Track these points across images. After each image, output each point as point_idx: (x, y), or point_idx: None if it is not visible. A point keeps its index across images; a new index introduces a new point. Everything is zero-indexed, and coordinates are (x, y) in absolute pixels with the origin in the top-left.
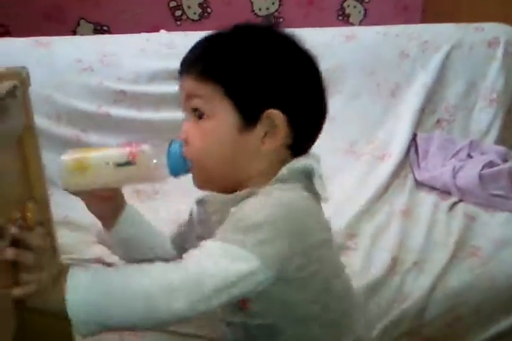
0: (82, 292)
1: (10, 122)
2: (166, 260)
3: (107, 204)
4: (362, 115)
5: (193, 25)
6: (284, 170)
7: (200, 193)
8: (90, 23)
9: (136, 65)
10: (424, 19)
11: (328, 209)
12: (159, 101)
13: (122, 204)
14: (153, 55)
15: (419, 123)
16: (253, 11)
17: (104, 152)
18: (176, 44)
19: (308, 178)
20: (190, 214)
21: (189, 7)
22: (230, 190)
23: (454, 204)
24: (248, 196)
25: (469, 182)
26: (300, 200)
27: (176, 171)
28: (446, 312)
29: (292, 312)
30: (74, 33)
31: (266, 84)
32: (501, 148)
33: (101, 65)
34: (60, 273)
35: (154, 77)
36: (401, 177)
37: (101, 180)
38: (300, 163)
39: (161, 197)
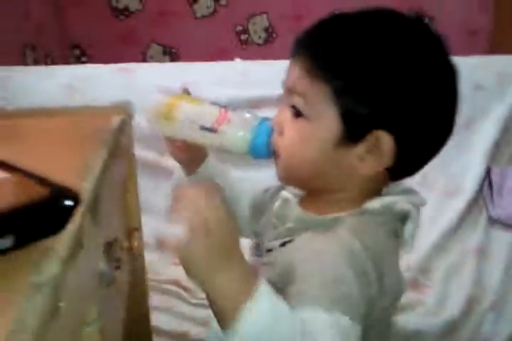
0: (263, 315)
1: (122, 157)
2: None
3: (188, 152)
4: None
5: (259, 49)
6: (377, 204)
7: None
8: (160, 45)
9: (213, 92)
10: (493, 47)
11: None
12: None
13: (205, 155)
14: (229, 83)
15: (493, 157)
16: None
17: (196, 109)
18: (251, 73)
19: (400, 219)
20: (266, 191)
21: (255, 31)
22: (310, 192)
23: None
24: (333, 222)
25: None
26: (383, 244)
27: (257, 153)
28: None
29: None
30: (144, 54)
31: (387, 103)
32: None
33: (180, 92)
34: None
35: (230, 104)
36: (474, 213)
37: (183, 135)
38: (400, 205)
39: None
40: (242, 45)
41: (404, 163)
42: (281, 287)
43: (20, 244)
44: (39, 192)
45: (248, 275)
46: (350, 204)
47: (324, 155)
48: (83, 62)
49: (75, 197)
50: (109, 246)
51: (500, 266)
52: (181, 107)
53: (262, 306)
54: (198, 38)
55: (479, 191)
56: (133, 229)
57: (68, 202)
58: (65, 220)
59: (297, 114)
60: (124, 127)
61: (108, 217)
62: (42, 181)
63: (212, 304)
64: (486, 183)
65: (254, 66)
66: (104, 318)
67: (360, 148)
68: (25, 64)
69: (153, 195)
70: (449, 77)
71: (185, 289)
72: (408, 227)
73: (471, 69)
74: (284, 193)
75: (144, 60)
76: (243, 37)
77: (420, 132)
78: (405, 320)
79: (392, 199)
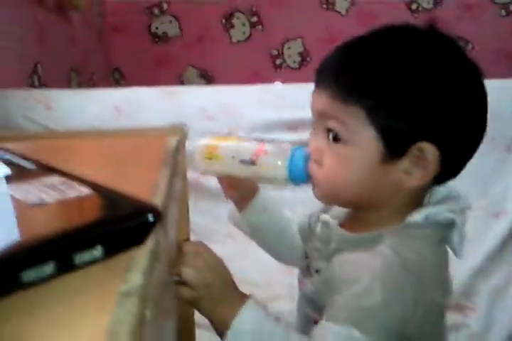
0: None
1: (179, 176)
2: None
3: (238, 189)
4: (475, 169)
5: (291, 73)
6: (419, 217)
7: None
8: (196, 68)
9: (253, 115)
10: None
11: None
12: None
13: (256, 190)
14: (269, 106)
15: None
16: None
17: (235, 145)
18: (290, 95)
19: (446, 229)
20: (310, 216)
21: (289, 56)
22: (354, 210)
23: None
24: (375, 239)
25: None
26: (430, 257)
27: (295, 178)
28: None
29: None
30: (181, 77)
31: (423, 116)
32: None
33: (223, 114)
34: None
35: (270, 127)
36: None
37: (226, 171)
38: (443, 214)
39: None
40: (276, 69)
41: (448, 167)
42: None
43: (107, 255)
44: (122, 206)
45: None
46: (393, 219)
47: (369, 176)
48: (122, 85)
49: (157, 213)
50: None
51: None
52: (221, 146)
53: (244, 325)
54: (234, 62)
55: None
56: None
57: (151, 218)
58: (147, 233)
59: (335, 138)
60: (180, 147)
61: (172, 233)
62: (124, 197)
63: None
64: None
65: (291, 89)
66: (164, 329)
67: (404, 162)
68: (70, 87)
69: (192, 213)
70: (476, 83)
71: None
72: (454, 236)
73: None
74: (324, 216)
75: (181, 83)
76: (278, 61)
77: (458, 136)
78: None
79: (433, 210)
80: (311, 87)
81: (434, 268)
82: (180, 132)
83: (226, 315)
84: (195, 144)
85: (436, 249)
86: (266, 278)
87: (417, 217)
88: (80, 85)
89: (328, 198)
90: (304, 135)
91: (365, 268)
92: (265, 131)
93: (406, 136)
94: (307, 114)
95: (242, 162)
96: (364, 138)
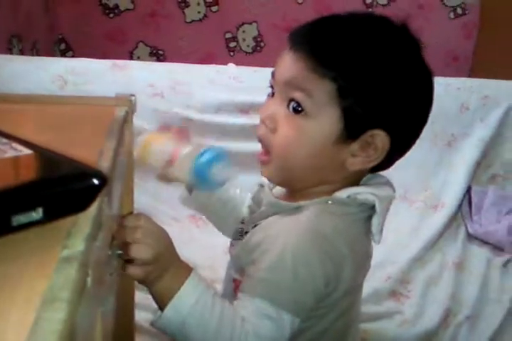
0: (183, 311)
1: (125, 145)
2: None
3: None
4: (417, 162)
5: (246, 57)
6: (344, 194)
7: None
8: (147, 46)
9: (204, 95)
10: (473, 71)
11: (379, 254)
12: (223, 131)
13: None
14: (221, 87)
15: (474, 176)
16: None
17: (163, 144)
18: (244, 78)
19: (370, 211)
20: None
21: (244, 39)
22: (290, 188)
23: (508, 261)
24: (297, 209)
25: None
26: (344, 234)
27: (202, 184)
28: None
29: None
30: (131, 54)
31: (387, 103)
32: None
33: (172, 92)
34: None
35: (221, 108)
36: (453, 228)
37: (156, 168)
38: (363, 195)
39: None
40: (229, 52)
41: (387, 158)
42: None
43: (48, 218)
44: (66, 168)
45: (182, 276)
46: (322, 195)
47: (322, 152)
48: (68, 57)
49: (103, 177)
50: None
51: (476, 281)
52: (152, 144)
53: (185, 300)
54: (187, 42)
55: (459, 208)
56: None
57: (96, 182)
58: (91, 198)
59: (296, 109)
60: (128, 118)
61: (115, 204)
62: (67, 159)
63: (153, 297)
64: (466, 201)
65: (245, 71)
66: (105, 305)
67: (354, 146)
68: (11, 54)
69: (138, 193)
70: (429, 81)
71: None
72: (374, 220)
73: (457, 90)
74: (262, 179)
75: (131, 60)
76: (232, 44)
77: (408, 129)
78: (384, 328)
79: (356, 191)
80: (265, 71)
81: (347, 246)
82: (128, 103)
83: (169, 286)
84: (138, 137)
85: (353, 228)
86: (210, 261)
87: (342, 193)
88: (22, 53)
89: (281, 174)
90: (256, 119)
91: (279, 241)
92: (216, 112)
93: (364, 121)
94: (260, 97)
95: (166, 162)
96: (327, 115)
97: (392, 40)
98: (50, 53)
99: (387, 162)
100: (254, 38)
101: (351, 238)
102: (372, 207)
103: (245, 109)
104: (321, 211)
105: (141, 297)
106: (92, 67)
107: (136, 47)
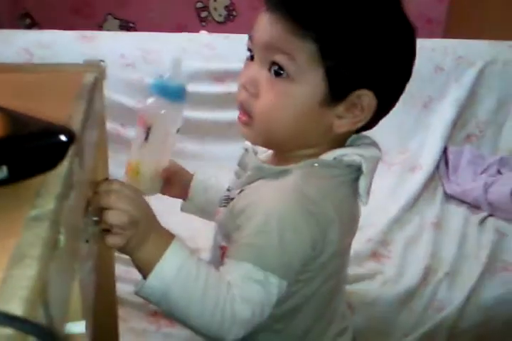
0: (171, 270)
1: (96, 110)
2: None
3: (173, 184)
4: (395, 125)
5: (218, 27)
6: (330, 157)
7: None
8: (117, 19)
9: None
10: (446, 33)
11: None
12: (198, 100)
13: (190, 177)
14: (193, 55)
15: (450, 136)
16: None
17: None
18: (217, 46)
19: (355, 172)
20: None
21: (215, 9)
22: (276, 150)
23: (485, 218)
24: (283, 173)
25: (501, 198)
26: (331, 195)
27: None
28: (479, 324)
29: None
30: (100, 28)
31: (370, 60)
32: None
33: (143, 62)
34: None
35: (194, 76)
36: (431, 189)
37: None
38: (349, 157)
39: None
40: (201, 22)
41: (374, 117)
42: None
43: (14, 177)
44: (32, 126)
45: (164, 243)
46: (308, 158)
47: (307, 116)
48: None
49: (70, 133)
50: (87, 201)
51: (454, 239)
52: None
53: (168, 267)
54: (157, 13)
55: (436, 168)
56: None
57: (63, 138)
58: (59, 156)
59: (278, 72)
60: (98, 84)
61: (88, 169)
62: (33, 118)
63: (136, 265)
64: (443, 161)
65: (220, 40)
66: (82, 273)
67: (340, 107)
68: None
69: (112, 166)
70: (411, 36)
71: None
72: (361, 181)
73: (432, 52)
74: (246, 143)
75: None
76: (203, 14)
77: (393, 86)
78: (366, 289)
79: (342, 152)
80: (238, 38)
81: (334, 209)
82: (98, 69)
83: (151, 254)
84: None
85: (340, 190)
86: (191, 233)
87: (326, 156)
88: None
89: (264, 137)
90: (231, 86)
91: (264, 205)
92: (189, 81)
93: (350, 81)
94: (235, 65)
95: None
96: (311, 77)
97: (370, 3)
98: (15, 29)
99: (373, 122)
100: (226, 7)
101: (338, 200)
102: (359, 169)
103: (220, 77)
104: (306, 174)
105: (122, 269)
106: (59, 39)
107: (105, 20)
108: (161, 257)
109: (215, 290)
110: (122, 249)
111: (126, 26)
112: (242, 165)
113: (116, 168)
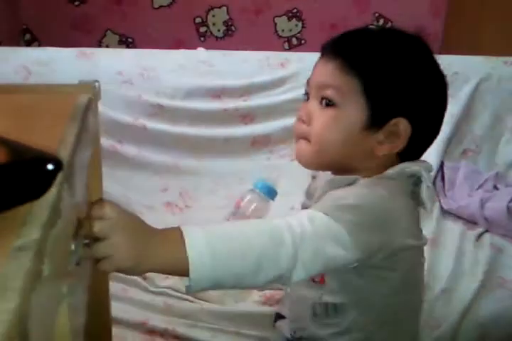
0: (202, 247)
1: (89, 130)
2: None
3: None
4: None
5: (217, 42)
6: (391, 170)
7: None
8: (116, 34)
9: (174, 81)
10: (444, 48)
11: None
12: (195, 116)
13: None
14: (191, 72)
15: (446, 152)
16: (276, 31)
17: None
18: (214, 62)
19: (415, 185)
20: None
21: (214, 24)
22: (331, 172)
23: (481, 234)
24: (353, 182)
25: (497, 213)
26: (398, 199)
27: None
28: None
29: (361, 300)
30: (100, 43)
31: (404, 92)
32: None
33: (140, 79)
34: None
35: (191, 93)
36: None
37: None
38: (410, 168)
39: (194, 210)
40: (200, 37)
41: (414, 146)
42: None
43: (0, 207)
44: (19, 154)
45: (168, 238)
46: (369, 175)
47: (351, 138)
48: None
49: (58, 162)
50: (79, 223)
51: (450, 255)
52: None
53: (195, 240)
54: (156, 28)
55: (433, 184)
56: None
57: (51, 166)
58: (47, 185)
59: (327, 104)
60: (92, 106)
61: (79, 192)
62: (21, 146)
63: (170, 273)
64: (439, 177)
65: (218, 56)
66: (72, 296)
67: (380, 134)
68: None
69: (109, 182)
70: (440, 76)
71: (144, 278)
72: (423, 189)
73: None
74: (313, 172)
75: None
76: (202, 29)
77: (428, 119)
78: None
79: (403, 165)
80: (235, 54)
81: (401, 210)
82: (92, 90)
83: (171, 251)
84: None
85: (403, 197)
86: None
87: (390, 170)
88: None
89: (317, 157)
90: (227, 103)
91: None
92: (186, 97)
93: (388, 110)
94: (231, 81)
95: None
96: (354, 106)
97: (405, 42)
98: (15, 45)
99: (415, 150)
100: (225, 22)
101: (404, 202)
102: (418, 180)
103: (217, 93)
104: (373, 182)
105: (118, 287)
106: (57, 56)
107: (105, 35)
108: (186, 254)
109: (267, 231)
110: (121, 264)
111: (125, 41)
112: (309, 193)
113: (113, 183)
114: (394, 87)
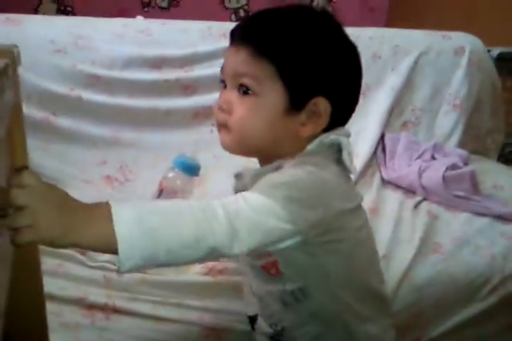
0: (132, 222)
1: (5, 100)
2: None
3: None
4: None
5: (161, 13)
6: (310, 145)
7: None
8: (54, 2)
9: (111, 50)
10: (389, 22)
11: None
12: (134, 88)
13: None
14: (129, 41)
15: (386, 124)
16: (223, 3)
17: None
18: (153, 31)
19: (338, 152)
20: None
21: None
22: (258, 158)
23: (419, 202)
24: (278, 168)
25: (433, 182)
26: (327, 170)
27: None
28: (412, 304)
29: (320, 277)
30: (36, 11)
31: (319, 71)
32: (463, 152)
33: (75, 48)
34: (93, 210)
35: (129, 63)
36: (368, 175)
37: None
38: (328, 137)
39: (135, 184)
40: (143, 7)
41: (336, 122)
42: None
43: None
44: None
45: (95, 212)
46: (294, 156)
47: (273, 124)
48: None
49: None
50: None
51: (389, 223)
52: None
53: (124, 215)
54: None
55: (373, 155)
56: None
57: None
58: None
59: (245, 92)
60: (8, 72)
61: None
62: None
63: (98, 250)
64: (380, 148)
65: (157, 25)
66: None
67: (302, 115)
68: None
69: (44, 156)
70: (353, 51)
71: (82, 253)
72: (344, 156)
73: (370, 40)
74: (237, 171)
75: None
76: None
77: (346, 94)
78: None
79: (321, 138)
80: (175, 23)
81: (332, 179)
82: (10, 55)
83: (99, 226)
84: None
85: (330, 166)
86: None
87: (310, 147)
88: None
89: (241, 145)
90: (168, 73)
91: (276, 175)
92: (124, 68)
93: (306, 91)
94: (172, 51)
95: None
96: (272, 92)
97: (314, 22)
98: None
99: (338, 124)
100: None
101: (332, 170)
102: (339, 149)
103: (157, 64)
104: (300, 161)
105: (54, 263)
106: None
107: (41, 3)
108: (114, 231)
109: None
110: (49, 244)
111: (63, 10)
112: (240, 187)
113: (48, 157)
114: (308, 68)
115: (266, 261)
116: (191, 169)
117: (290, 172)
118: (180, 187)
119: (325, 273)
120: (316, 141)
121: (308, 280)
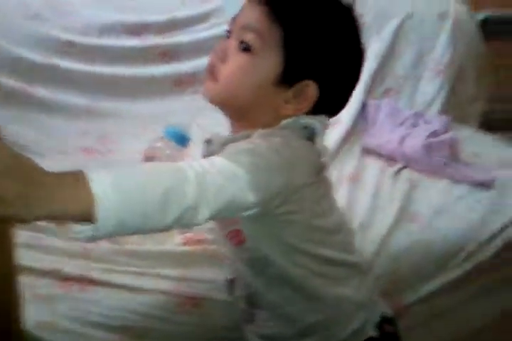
0: (107, 184)
1: None
2: None
3: None
4: None
5: None
6: (285, 121)
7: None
8: None
9: (87, 16)
10: None
11: None
12: (112, 55)
13: None
14: (105, 7)
15: (369, 91)
16: None
17: None
18: None
19: (310, 138)
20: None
21: None
22: (232, 117)
23: (399, 170)
24: (247, 137)
25: (414, 150)
26: (294, 142)
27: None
28: (390, 272)
29: (278, 246)
30: None
31: (323, 56)
32: (444, 119)
33: (49, 13)
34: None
35: (107, 29)
36: (350, 143)
37: None
38: (305, 119)
39: (115, 155)
40: None
41: (316, 112)
42: None
43: None
44: None
45: (67, 179)
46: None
47: (259, 88)
48: None
49: None
50: None
51: (369, 191)
52: None
53: (99, 179)
54: None
55: (356, 122)
56: None
57: None
58: None
59: (245, 48)
60: None
61: None
62: None
63: (68, 219)
64: (362, 115)
65: None
66: None
67: (289, 93)
68: None
69: (20, 126)
70: (361, 53)
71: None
72: (317, 139)
73: (353, 3)
74: (207, 137)
75: None
76: None
77: (337, 89)
78: None
79: (298, 117)
80: None
81: (297, 150)
82: None
83: (71, 192)
84: None
85: (298, 140)
86: None
87: (284, 121)
88: None
89: (222, 99)
90: (147, 40)
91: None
92: (102, 34)
93: (302, 69)
94: (150, 16)
95: None
96: (271, 56)
97: (334, 8)
98: None
99: (326, 112)
100: None
101: (300, 143)
102: (312, 133)
103: (135, 30)
104: (268, 133)
105: (28, 236)
106: None
107: None
108: (85, 187)
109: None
110: (14, 219)
111: None
112: (207, 153)
113: (24, 127)
114: (313, 47)
115: (230, 230)
116: (183, 139)
117: (257, 141)
118: (171, 157)
119: (282, 243)
120: (292, 119)
121: (268, 249)
